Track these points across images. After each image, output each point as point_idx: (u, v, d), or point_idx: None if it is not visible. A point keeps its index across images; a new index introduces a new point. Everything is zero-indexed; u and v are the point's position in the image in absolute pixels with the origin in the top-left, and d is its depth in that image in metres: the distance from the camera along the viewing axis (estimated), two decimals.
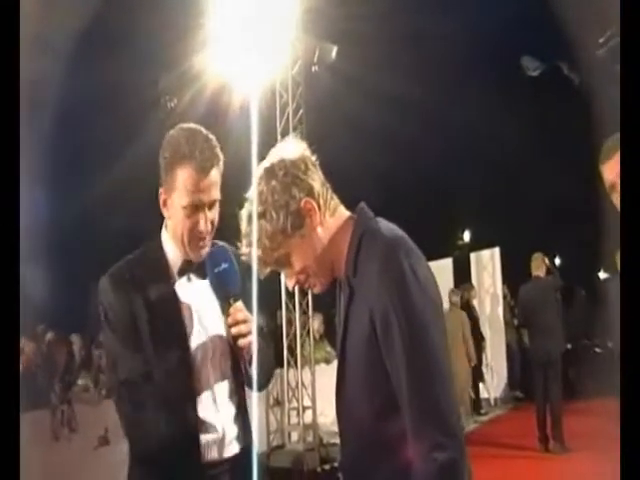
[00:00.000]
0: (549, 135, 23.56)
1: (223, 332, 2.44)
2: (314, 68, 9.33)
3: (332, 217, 2.00)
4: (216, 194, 2.38)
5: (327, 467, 8.15)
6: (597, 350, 12.79)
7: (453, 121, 22.42)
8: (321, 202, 1.97)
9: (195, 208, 2.34)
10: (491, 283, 13.24)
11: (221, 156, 2.38)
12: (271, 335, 2.73)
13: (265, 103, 8.77)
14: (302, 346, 8.75)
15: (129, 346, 2.37)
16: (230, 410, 2.46)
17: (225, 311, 2.35)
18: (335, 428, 2.12)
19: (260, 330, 2.48)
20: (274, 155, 2.02)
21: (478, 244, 17.11)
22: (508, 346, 12.98)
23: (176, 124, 2.47)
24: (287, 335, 8.75)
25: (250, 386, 2.48)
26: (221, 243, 2.45)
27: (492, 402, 12.62)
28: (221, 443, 2.41)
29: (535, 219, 24.65)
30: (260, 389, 2.58)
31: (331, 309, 9.98)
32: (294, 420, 8.82)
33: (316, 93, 9.59)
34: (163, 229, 2.52)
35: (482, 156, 23.72)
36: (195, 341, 2.41)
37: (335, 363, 2.03)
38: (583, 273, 19.70)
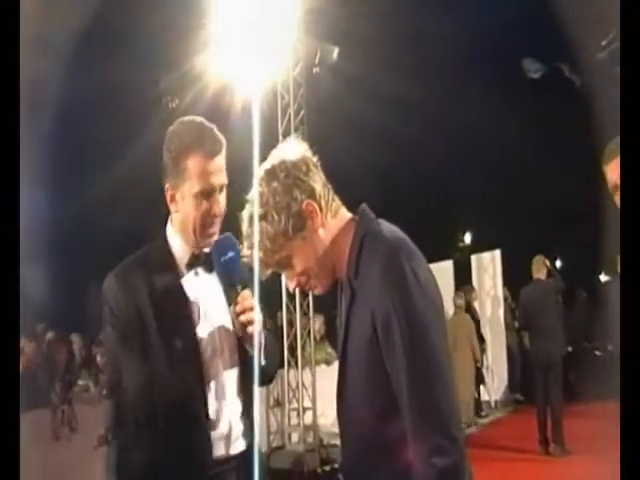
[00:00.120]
0: (550, 137, 23.55)
1: (231, 327, 2.45)
2: (315, 69, 9.33)
3: (334, 218, 1.99)
4: (225, 178, 2.43)
5: (327, 468, 8.15)
6: (598, 353, 12.78)
7: (454, 122, 22.41)
8: (322, 204, 1.97)
9: (207, 193, 2.38)
10: (492, 285, 13.23)
11: (224, 142, 2.42)
12: (272, 335, 2.72)
13: (267, 104, 8.77)
14: (303, 347, 8.75)
15: (134, 345, 2.37)
16: (238, 406, 2.46)
17: (233, 299, 2.35)
18: (335, 429, 2.12)
19: (264, 325, 2.49)
20: (275, 156, 2.01)
21: (479, 246, 17.09)
22: (509, 348, 12.97)
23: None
24: (288, 336, 8.75)
25: (258, 379, 2.46)
26: (227, 233, 2.44)
27: (492, 404, 12.61)
28: (228, 440, 2.41)
29: (536, 221, 24.62)
30: (268, 381, 2.61)
31: (332, 310, 9.98)
32: (294, 421, 8.82)
33: (317, 94, 9.59)
34: (168, 225, 2.53)
35: (483, 158, 23.71)
36: (203, 335, 2.42)
37: (336, 364, 2.04)
38: (584, 275, 19.68)
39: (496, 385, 12.78)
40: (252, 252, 1.97)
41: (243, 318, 2.31)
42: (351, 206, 2.06)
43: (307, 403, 8.71)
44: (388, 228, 1.97)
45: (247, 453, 2.45)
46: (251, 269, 2.13)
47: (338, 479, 2.14)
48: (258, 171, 2.02)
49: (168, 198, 2.45)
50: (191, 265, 2.47)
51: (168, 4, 10.96)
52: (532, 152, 22.46)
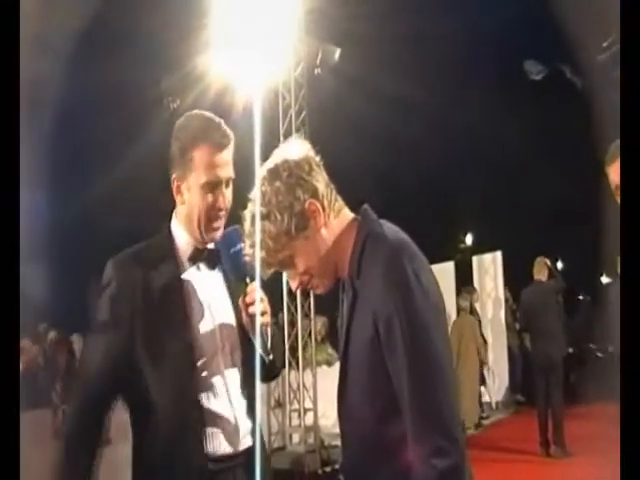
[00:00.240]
0: (551, 138, 23.58)
1: (234, 324, 2.45)
2: (317, 70, 9.33)
3: (336, 218, 1.99)
4: (231, 172, 2.43)
5: (328, 469, 8.15)
6: (599, 355, 12.77)
7: (456, 124, 22.45)
8: (325, 203, 1.97)
9: (213, 186, 2.38)
10: (493, 287, 13.22)
11: (232, 137, 2.43)
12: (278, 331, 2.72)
13: (268, 104, 8.78)
14: (304, 348, 8.75)
15: (125, 332, 2.34)
16: (243, 402, 2.45)
17: (242, 291, 2.36)
18: (336, 430, 2.12)
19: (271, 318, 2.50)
20: (278, 156, 2.01)
21: (480, 247, 17.09)
22: (509, 350, 12.95)
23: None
24: (289, 337, 8.75)
25: (261, 375, 2.46)
26: (235, 225, 2.42)
27: (493, 406, 12.60)
28: (235, 436, 2.40)
29: (537, 223, 24.64)
30: (273, 377, 2.63)
31: (333, 311, 9.98)
32: (295, 422, 8.82)
33: (319, 95, 9.59)
34: (173, 217, 2.53)
35: (484, 159, 23.74)
36: (205, 331, 2.41)
37: (337, 365, 2.04)
38: (585, 277, 19.69)
39: (497, 386, 12.77)
40: (254, 251, 1.97)
41: (252, 309, 2.33)
42: (352, 207, 2.06)
43: (308, 404, 8.70)
44: (390, 229, 1.97)
45: (253, 450, 2.45)
46: (253, 267, 2.16)
47: None
48: (260, 170, 2.01)
49: (174, 189, 2.45)
50: (193, 259, 2.47)
51: (169, 4, 10.97)
52: (533, 153, 22.48)
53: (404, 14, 16.76)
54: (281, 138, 8.13)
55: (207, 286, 2.46)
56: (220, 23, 8.42)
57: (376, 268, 1.85)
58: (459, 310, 11.44)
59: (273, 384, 8.64)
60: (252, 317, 2.33)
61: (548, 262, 9.20)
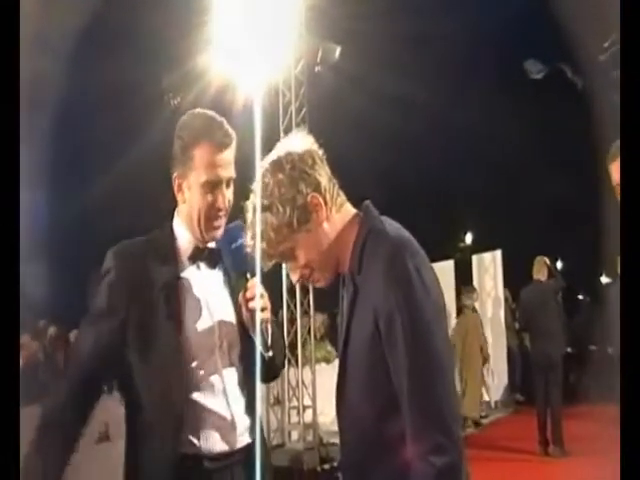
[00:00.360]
0: (551, 138, 23.57)
1: (233, 322, 2.45)
2: (317, 68, 9.33)
3: (338, 213, 2.00)
4: (232, 172, 2.42)
5: (327, 466, 8.14)
6: (598, 355, 12.77)
7: (456, 123, 22.43)
8: (328, 197, 1.97)
9: (213, 185, 2.37)
10: (492, 286, 13.21)
11: (234, 137, 2.43)
12: (279, 330, 2.72)
13: (268, 102, 8.77)
14: (303, 345, 8.75)
15: (117, 324, 2.34)
16: (241, 400, 2.44)
17: (242, 286, 2.36)
18: (335, 428, 2.12)
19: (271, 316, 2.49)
20: (281, 148, 2.01)
21: (480, 246, 17.08)
22: (509, 349, 12.95)
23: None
24: (288, 334, 8.75)
25: (266, 372, 2.47)
26: (237, 221, 2.42)
27: (493, 405, 12.60)
28: (232, 433, 2.40)
29: (537, 222, 24.64)
30: (273, 377, 2.62)
31: (332, 309, 9.98)
32: (294, 419, 8.82)
33: (319, 92, 9.59)
34: (175, 215, 2.52)
35: (484, 158, 23.73)
36: (202, 328, 2.40)
37: (335, 363, 2.04)
38: (585, 277, 19.68)
39: (496, 385, 12.77)
40: (255, 243, 1.98)
41: (252, 304, 2.32)
42: (353, 204, 2.07)
43: (307, 401, 8.71)
44: (392, 225, 1.98)
45: (252, 448, 2.44)
46: (254, 262, 2.16)
47: (337, 477, 2.14)
48: (263, 162, 2.02)
49: (175, 187, 2.45)
50: (193, 258, 2.46)
51: (170, 2, 10.97)
52: (533, 153, 22.48)
53: (404, 12, 16.75)
54: (281, 135, 8.09)
55: (206, 284, 2.46)
56: (220, 21, 8.42)
57: (377, 264, 1.85)
58: (463, 308, 11.51)
59: (277, 379, 8.62)
60: (252, 312, 2.33)
61: (547, 261, 9.20)
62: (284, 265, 2.05)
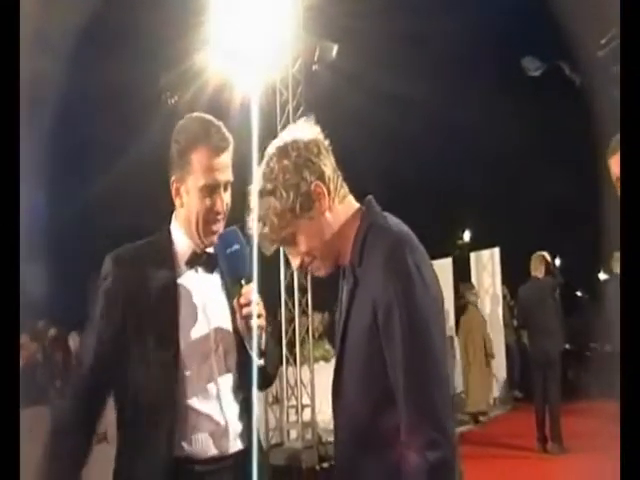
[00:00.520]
0: (550, 135, 23.58)
1: (229, 327, 2.43)
2: (314, 66, 9.33)
3: (341, 204, 2.02)
4: (230, 175, 2.41)
5: (325, 465, 8.14)
6: (596, 351, 12.79)
7: (454, 120, 22.42)
8: (331, 187, 1.99)
9: (211, 189, 2.36)
10: (491, 283, 13.25)
11: (232, 140, 2.41)
12: (274, 337, 2.70)
13: (265, 101, 8.76)
14: (301, 344, 8.75)
15: (116, 331, 2.34)
16: (235, 405, 2.43)
17: (236, 292, 2.33)
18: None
19: (266, 324, 2.47)
20: (288, 135, 2.04)
21: (478, 244, 17.10)
22: (507, 346, 12.98)
23: (178, 121, 2.49)
24: (286, 333, 8.75)
25: (259, 380, 2.44)
26: (233, 226, 2.42)
27: (491, 402, 12.61)
28: (225, 438, 2.39)
29: (535, 219, 24.65)
30: (268, 383, 2.60)
31: (331, 307, 9.97)
32: (293, 418, 8.82)
33: (316, 91, 9.59)
34: (173, 219, 2.51)
35: (483, 156, 23.73)
36: (198, 333, 2.39)
37: (334, 361, 2.04)
38: (583, 274, 19.69)
39: (495, 382, 12.78)
40: (259, 226, 1.99)
41: (246, 311, 2.30)
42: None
43: (306, 400, 8.71)
44: (393, 221, 1.99)
45: (246, 451, 2.43)
46: (250, 268, 2.17)
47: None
48: (269, 146, 2.04)
49: (173, 191, 2.44)
50: (191, 263, 2.45)
51: (168, 2, 10.97)
52: (531, 150, 22.48)
53: (402, 11, 16.76)
54: (278, 134, 8.10)
55: (203, 289, 2.44)
56: (218, 20, 8.42)
57: (377, 257, 1.87)
58: (468, 305, 11.54)
59: (271, 386, 8.61)
60: (246, 319, 2.30)
61: (547, 256, 9.21)
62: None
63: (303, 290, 8.67)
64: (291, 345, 8.78)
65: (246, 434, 2.45)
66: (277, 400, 9.02)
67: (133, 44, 14.55)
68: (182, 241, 2.47)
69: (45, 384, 10.01)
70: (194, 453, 2.34)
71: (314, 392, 8.66)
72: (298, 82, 9.03)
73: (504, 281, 13.25)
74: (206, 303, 2.43)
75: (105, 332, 2.37)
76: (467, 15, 20.19)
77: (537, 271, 9.11)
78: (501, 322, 12.94)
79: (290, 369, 8.83)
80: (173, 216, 2.52)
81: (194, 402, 2.36)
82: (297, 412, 8.74)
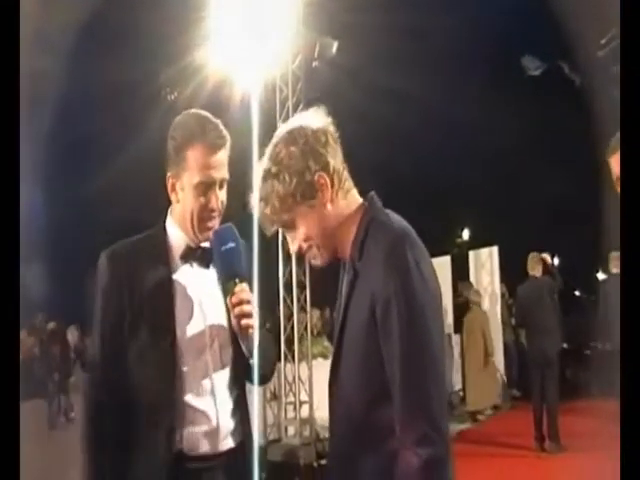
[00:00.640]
0: (549, 134, 23.57)
1: (225, 323, 2.42)
2: (314, 63, 9.31)
3: (344, 198, 2.02)
4: (226, 173, 2.41)
5: (323, 462, 8.14)
6: (595, 351, 12.79)
7: (453, 119, 22.40)
8: (335, 180, 1.99)
9: (206, 186, 2.36)
10: (489, 281, 13.25)
11: (228, 138, 2.41)
12: (271, 334, 2.69)
13: (265, 97, 8.75)
14: (300, 341, 8.75)
15: (116, 328, 2.36)
16: (228, 402, 2.43)
17: (230, 290, 2.31)
18: None
19: (263, 324, 2.47)
20: (298, 120, 2.05)
21: (477, 242, 17.09)
22: (505, 345, 12.98)
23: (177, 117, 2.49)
24: (285, 330, 8.75)
25: (252, 378, 2.45)
26: (228, 223, 2.43)
27: (498, 401, 12.60)
28: (216, 436, 2.38)
29: (534, 218, 24.64)
30: (264, 381, 2.57)
31: (330, 304, 9.97)
32: (291, 414, 8.82)
33: (316, 88, 9.58)
34: (168, 215, 2.52)
35: (482, 154, 23.72)
36: (193, 328, 2.39)
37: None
38: (582, 274, 19.69)
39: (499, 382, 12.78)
40: (260, 206, 2.01)
41: (238, 310, 2.28)
42: None
43: (304, 397, 8.71)
44: (394, 217, 2.00)
45: (241, 448, 2.43)
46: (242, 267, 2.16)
47: None
48: (279, 129, 2.06)
49: (169, 187, 2.44)
50: (185, 257, 2.45)
51: None
52: (530, 149, 22.47)
53: (402, 7, 16.71)
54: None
55: (199, 284, 2.44)
56: (218, 16, 8.41)
57: (378, 252, 1.87)
58: (471, 304, 11.60)
59: (268, 382, 8.62)
60: (238, 318, 2.29)
61: (548, 258, 9.22)
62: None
63: (302, 287, 8.66)
64: (289, 342, 8.78)
65: (238, 432, 2.45)
66: (275, 396, 9.03)
67: (133, 41, 14.54)
68: (177, 236, 2.47)
69: (43, 377, 10.03)
70: (185, 449, 2.34)
71: (312, 389, 8.66)
72: (298, 78, 9.01)
73: (503, 280, 13.25)
74: (202, 298, 2.43)
75: (106, 329, 2.38)
76: (468, 13, 20.18)
77: (534, 270, 9.12)
78: (499, 321, 12.94)
79: (288, 366, 8.84)
80: (169, 211, 2.52)
81: (190, 398, 2.36)
82: (295, 409, 8.74)
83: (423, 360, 1.80)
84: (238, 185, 2.44)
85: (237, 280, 2.31)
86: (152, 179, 2.50)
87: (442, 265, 12.24)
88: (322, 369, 8.44)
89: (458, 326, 12.59)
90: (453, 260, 13.37)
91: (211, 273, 2.46)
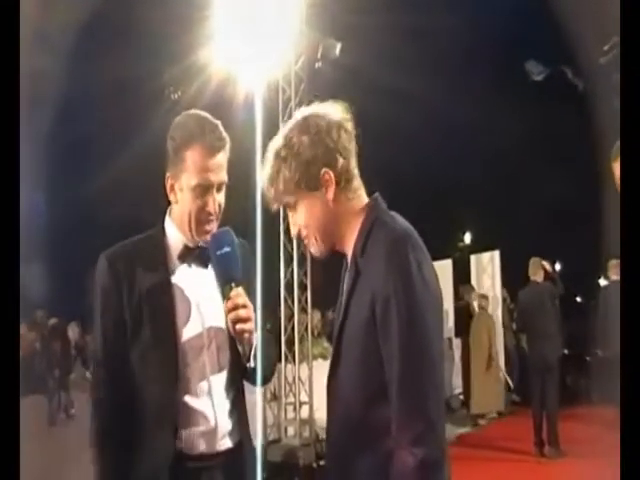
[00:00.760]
0: (551, 139, 23.56)
1: (222, 324, 2.41)
2: (317, 64, 9.32)
3: (350, 199, 2.02)
4: (224, 176, 2.39)
5: (323, 462, 8.15)
6: (595, 357, 12.76)
7: (456, 122, 22.41)
8: (342, 178, 1.99)
9: (204, 189, 2.34)
10: (490, 285, 13.22)
11: (228, 140, 2.39)
12: (270, 336, 2.69)
13: (268, 98, 8.76)
14: (300, 342, 8.75)
15: (115, 331, 2.36)
16: (225, 403, 2.43)
17: (226, 295, 2.30)
18: None
19: (264, 325, 2.46)
20: (315, 109, 2.04)
21: (478, 246, 17.08)
22: (506, 349, 12.95)
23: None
24: (285, 330, 8.76)
25: (251, 380, 2.45)
26: (225, 227, 2.42)
27: (502, 407, 12.57)
28: (213, 436, 2.38)
29: (536, 223, 24.63)
30: (264, 382, 2.55)
31: (330, 305, 9.97)
32: (291, 415, 8.83)
33: (319, 88, 9.58)
34: (167, 215, 2.51)
35: (484, 158, 23.73)
36: (191, 329, 2.38)
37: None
38: (583, 279, 19.66)
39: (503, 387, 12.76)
40: (266, 186, 2.03)
41: (233, 315, 2.27)
42: None
43: (304, 397, 8.71)
44: (398, 218, 2.01)
45: (239, 448, 2.44)
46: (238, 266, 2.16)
47: None
48: (297, 113, 2.06)
49: (168, 187, 2.42)
50: (183, 258, 2.44)
51: None
52: (533, 153, 22.46)
53: (406, 8, 16.72)
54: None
55: (197, 285, 2.43)
56: (221, 16, 8.41)
57: (380, 251, 1.88)
58: (478, 309, 11.74)
59: (267, 384, 8.61)
60: (233, 323, 2.28)
61: (547, 265, 9.21)
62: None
63: (303, 288, 8.67)
64: (290, 342, 8.78)
65: (236, 433, 2.45)
66: (275, 397, 9.03)
67: (136, 39, 14.54)
68: (175, 237, 2.46)
69: (43, 373, 10.04)
70: (183, 449, 2.34)
71: (312, 389, 8.66)
72: (301, 79, 9.02)
73: (504, 284, 13.23)
74: (199, 300, 2.43)
75: (108, 329, 2.38)
76: (471, 15, 20.19)
77: (536, 275, 9.10)
78: (501, 325, 12.92)
79: (289, 366, 8.84)
80: (168, 211, 2.51)
81: (188, 399, 2.36)
82: (295, 409, 8.75)
83: (421, 360, 1.80)
84: (239, 185, 2.43)
85: (233, 285, 2.29)
86: (155, 178, 2.50)
87: (443, 268, 12.23)
88: (322, 370, 8.40)
89: (459, 329, 12.58)
90: (454, 263, 13.36)
91: (210, 273, 2.44)
